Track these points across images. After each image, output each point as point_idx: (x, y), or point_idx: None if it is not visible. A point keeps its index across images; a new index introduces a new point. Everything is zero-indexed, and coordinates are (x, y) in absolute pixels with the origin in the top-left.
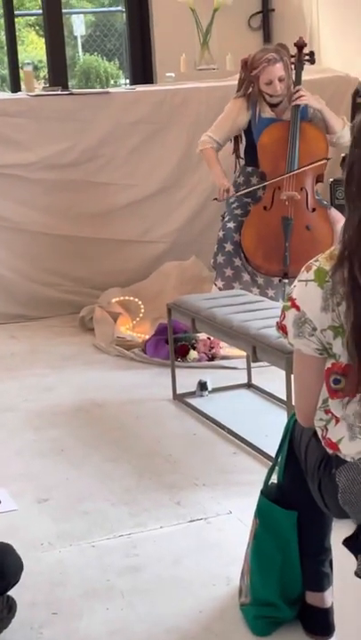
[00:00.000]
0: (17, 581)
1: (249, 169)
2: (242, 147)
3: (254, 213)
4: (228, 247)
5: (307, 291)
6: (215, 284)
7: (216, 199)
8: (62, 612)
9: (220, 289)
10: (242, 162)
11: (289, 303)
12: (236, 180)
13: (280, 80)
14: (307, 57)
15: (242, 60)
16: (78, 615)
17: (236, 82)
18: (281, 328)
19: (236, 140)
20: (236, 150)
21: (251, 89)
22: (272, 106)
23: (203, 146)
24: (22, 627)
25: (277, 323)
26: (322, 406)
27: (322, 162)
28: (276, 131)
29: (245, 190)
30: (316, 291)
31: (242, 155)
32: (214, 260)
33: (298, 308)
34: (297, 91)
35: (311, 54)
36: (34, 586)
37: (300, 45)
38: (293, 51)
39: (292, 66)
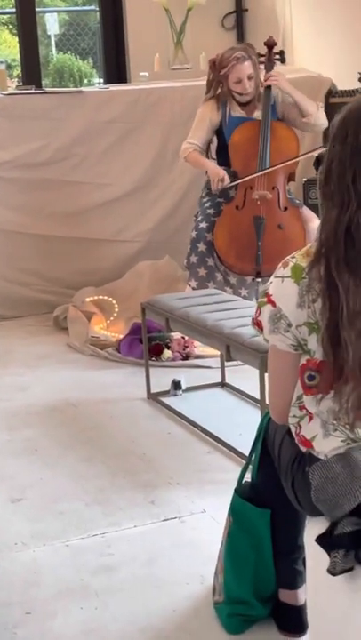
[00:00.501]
0: None
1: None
2: (213, 147)
3: (226, 213)
4: (201, 247)
5: (283, 287)
6: (189, 285)
7: (209, 191)
8: (36, 611)
9: (193, 289)
10: (214, 162)
11: (265, 299)
12: (208, 180)
13: (249, 78)
14: (277, 56)
15: (210, 61)
16: (52, 615)
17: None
18: (256, 324)
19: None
20: (206, 151)
21: (220, 89)
22: (242, 105)
23: (185, 152)
24: None
25: (253, 319)
26: (296, 402)
27: (317, 150)
28: (247, 130)
29: (238, 180)
30: (293, 287)
31: (213, 155)
32: (187, 261)
33: (274, 304)
34: (269, 74)
35: (281, 53)
36: (7, 586)
37: (271, 44)
38: (264, 50)
39: (262, 65)
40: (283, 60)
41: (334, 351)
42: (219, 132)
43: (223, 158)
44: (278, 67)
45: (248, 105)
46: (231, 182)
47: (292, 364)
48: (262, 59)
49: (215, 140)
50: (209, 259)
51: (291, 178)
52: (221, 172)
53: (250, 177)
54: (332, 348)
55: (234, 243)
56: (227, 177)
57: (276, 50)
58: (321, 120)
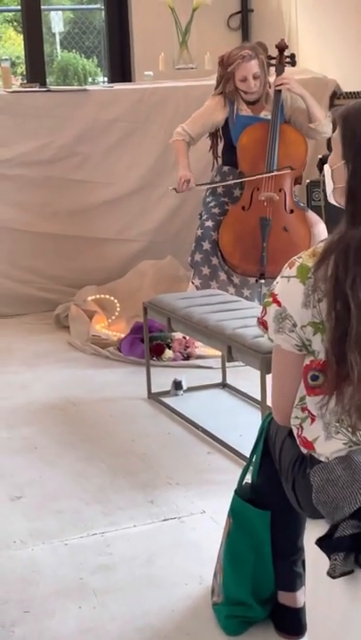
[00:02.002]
0: None
1: (225, 168)
2: (220, 146)
3: (232, 213)
4: (206, 246)
5: (289, 286)
6: (192, 283)
7: (175, 189)
8: (34, 610)
9: (197, 287)
10: (220, 161)
11: (270, 299)
12: (213, 179)
13: (255, 77)
14: (288, 59)
15: (219, 57)
16: (50, 613)
17: (215, 81)
18: (262, 323)
19: (215, 138)
20: (213, 149)
21: (228, 86)
22: (249, 104)
23: (175, 137)
24: None
25: (258, 318)
26: (299, 404)
27: (286, 171)
28: (256, 132)
29: (206, 184)
30: (298, 287)
31: (219, 154)
32: (192, 259)
33: (279, 304)
34: (279, 79)
35: (292, 57)
36: (6, 584)
37: (282, 48)
38: (275, 52)
39: (273, 68)
40: (293, 64)
41: (340, 352)
42: (225, 130)
43: (229, 157)
44: (287, 69)
45: (255, 104)
46: (220, 182)
47: (295, 364)
48: (273, 61)
49: (222, 138)
50: (213, 257)
51: (297, 181)
52: (188, 174)
53: (248, 179)
54: (339, 349)
55: (239, 243)
56: (193, 180)
57: (286, 53)
58: (326, 129)
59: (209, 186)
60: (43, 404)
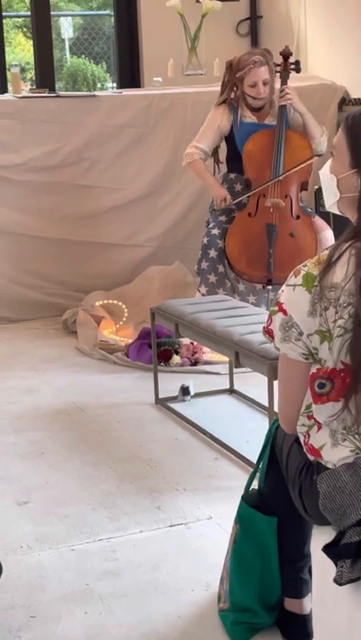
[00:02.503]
0: None
1: (232, 176)
2: (221, 152)
3: (239, 220)
4: (213, 254)
5: (294, 295)
6: (199, 291)
7: (214, 210)
8: (40, 615)
9: (203, 295)
10: (222, 167)
11: (276, 307)
12: None
13: (264, 83)
14: (292, 66)
15: (227, 62)
16: (56, 619)
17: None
18: (268, 332)
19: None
20: (214, 156)
21: (233, 93)
22: (254, 110)
23: (190, 158)
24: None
25: (264, 327)
26: (305, 412)
27: (309, 162)
28: (261, 138)
29: (242, 197)
30: (304, 295)
31: (222, 160)
32: (198, 267)
33: (285, 313)
34: (283, 90)
35: (297, 63)
36: (12, 589)
37: (286, 54)
38: (279, 59)
39: (278, 74)
40: (298, 70)
41: (353, 358)
42: (229, 138)
43: (235, 165)
44: (293, 75)
45: (260, 111)
46: (243, 191)
47: (302, 373)
48: (278, 68)
49: (223, 144)
50: (220, 265)
51: (303, 187)
52: (224, 192)
53: (266, 184)
54: (351, 355)
55: (246, 249)
56: (229, 197)
57: (291, 60)
58: (322, 146)
59: (244, 197)
60: (50, 409)
